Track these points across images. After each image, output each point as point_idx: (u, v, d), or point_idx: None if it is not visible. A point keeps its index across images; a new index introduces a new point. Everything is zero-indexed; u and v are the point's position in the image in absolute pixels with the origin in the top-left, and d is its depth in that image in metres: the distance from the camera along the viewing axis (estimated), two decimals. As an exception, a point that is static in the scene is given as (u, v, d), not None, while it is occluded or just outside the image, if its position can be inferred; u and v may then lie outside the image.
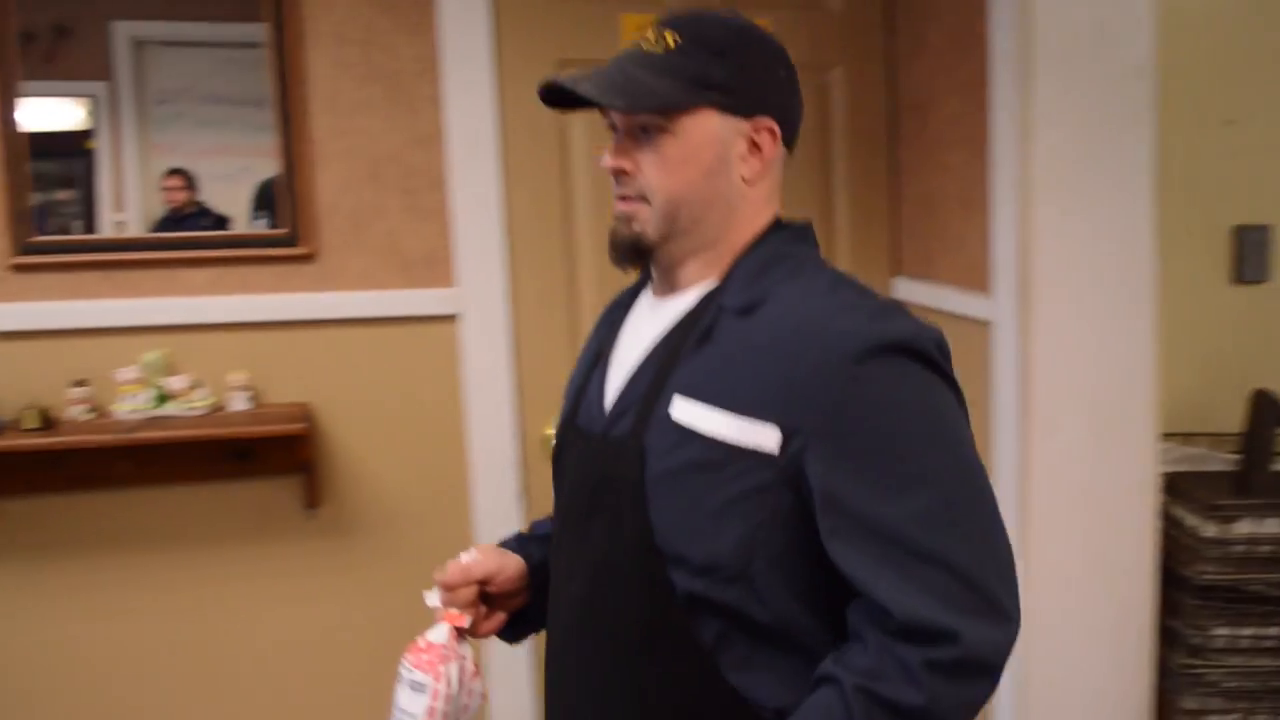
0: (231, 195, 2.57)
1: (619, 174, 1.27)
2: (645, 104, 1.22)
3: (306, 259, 2.54)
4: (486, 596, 1.42)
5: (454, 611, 1.37)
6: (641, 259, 1.29)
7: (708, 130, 1.24)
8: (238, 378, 2.49)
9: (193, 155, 2.53)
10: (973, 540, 1.12)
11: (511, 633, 1.49)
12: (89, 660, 2.53)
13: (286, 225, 2.53)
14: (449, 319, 2.65)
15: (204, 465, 2.53)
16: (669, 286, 1.31)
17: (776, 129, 1.27)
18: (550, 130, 2.68)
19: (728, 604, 1.17)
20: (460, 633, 1.36)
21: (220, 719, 2.60)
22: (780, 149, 1.29)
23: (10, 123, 2.38)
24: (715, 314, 1.23)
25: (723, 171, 1.25)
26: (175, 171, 2.52)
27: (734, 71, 1.24)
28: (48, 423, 2.34)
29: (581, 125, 2.70)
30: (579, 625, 1.29)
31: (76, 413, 2.40)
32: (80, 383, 2.42)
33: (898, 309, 1.19)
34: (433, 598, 1.39)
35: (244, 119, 2.54)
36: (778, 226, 1.30)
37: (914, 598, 1.08)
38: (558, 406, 1.47)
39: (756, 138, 1.26)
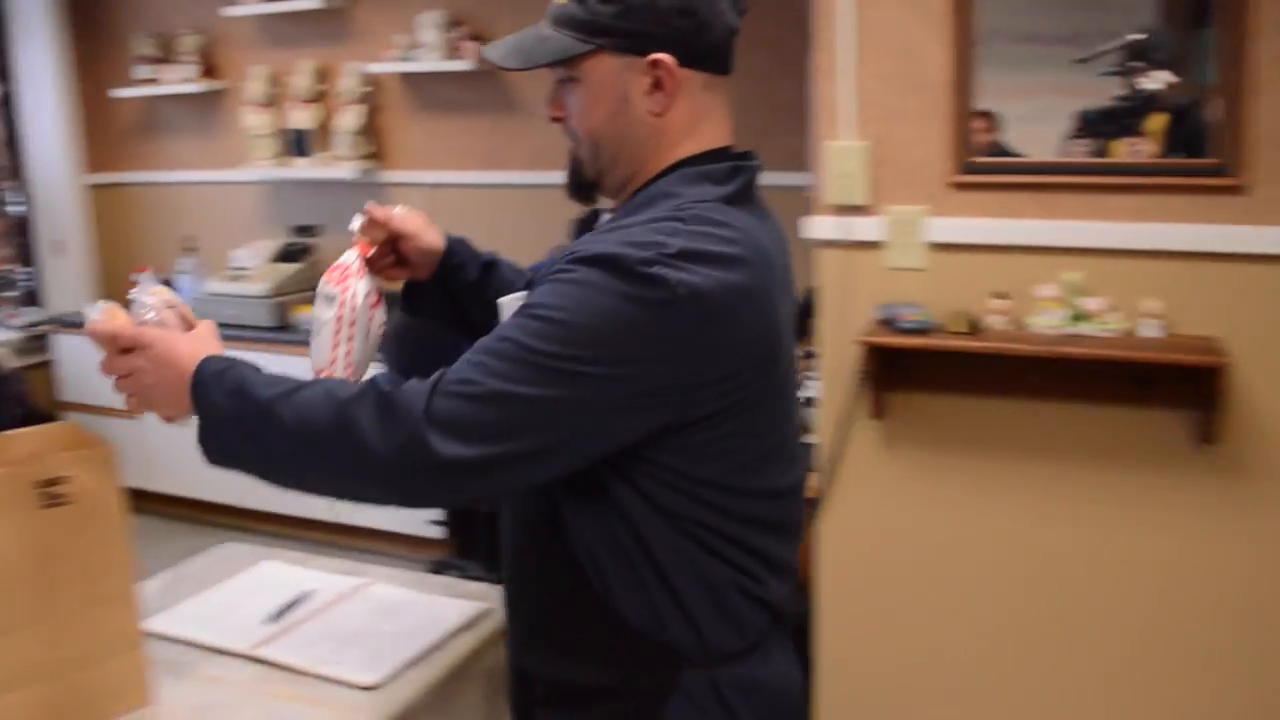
0: (1033, 136, 2.61)
1: (556, 120, 1.41)
2: (538, 60, 1.35)
3: (1235, 190, 2.47)
4: (399, 254, 1.64)
5: (364, 241, 1.59)
6: (587, 193, 1.43)
7: (606, 73, 1.33)
8: (1151, 305, 2.51)
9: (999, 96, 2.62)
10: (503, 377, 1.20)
11: (409, 302, 1.71)
12: (976, 552, 2.78)
13: (1219, 155, 2.48)
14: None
15: (1106, 387, 2.60)
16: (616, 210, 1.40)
17: (672, 62, 1.31)
18: None
19: None
20: (368, 264, 1.58)
21: (1089, 632, 2.70)
22: (692, 76, 1.33)
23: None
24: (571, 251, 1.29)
25: (626, 110, 1.34)
26: (981, 114, 2.62)
27: (620, 13, 1.30)
28: (973, 329, 2.58)
29: None
30: None
31: (996, 322, 2.61)
32: (1001, 295, 2.62)
33: (664, 243, 1.22)
34: (355, 223, 1.60)
35: (1053, 56, 2.53)
36: (687, 161, 1.35)
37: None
38: None
39: (655, 73, 1.31)
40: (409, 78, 4.79)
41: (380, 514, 4.51)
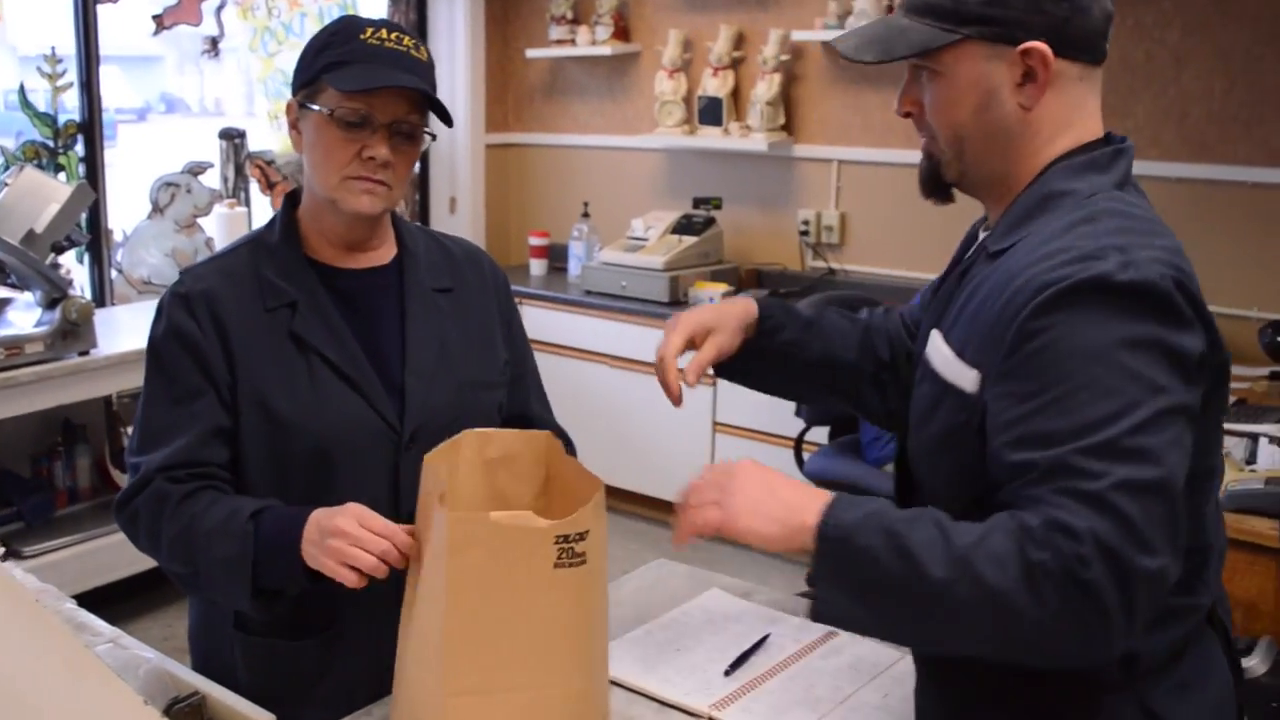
0: None
1: (907, 116, 1.33)
2: (896, 53, 1.26)
3: None
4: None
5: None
6: (944, 192, 1.35)
7: (973, 65, 1.25)
8: None
9: None
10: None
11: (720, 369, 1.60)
12: None
13: None
14: None
15: None
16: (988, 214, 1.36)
17: (1048, 52, 1.21)
18: None
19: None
20: None
21: None
22: (1067, 66, 1.23)
23: None
24: (975, 255, 1.32)
25: (994, 104, 1.25)
26: None
27: (990, 0, 1.22)
28: None
29: None
30: None
31: None
32: None
33: (1121, 246, 1.14)
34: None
35: None
36: (1068, 154, 1.26)
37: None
38: None
39: (1028, 64, 1.23)
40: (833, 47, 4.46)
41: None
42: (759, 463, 1.26)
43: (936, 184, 1.35)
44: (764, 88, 4.53)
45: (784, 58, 4.51)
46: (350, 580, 1.35)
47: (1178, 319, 1.12)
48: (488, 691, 1.25)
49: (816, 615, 1.19)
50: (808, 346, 1.58)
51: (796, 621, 1.71)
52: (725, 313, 1.57)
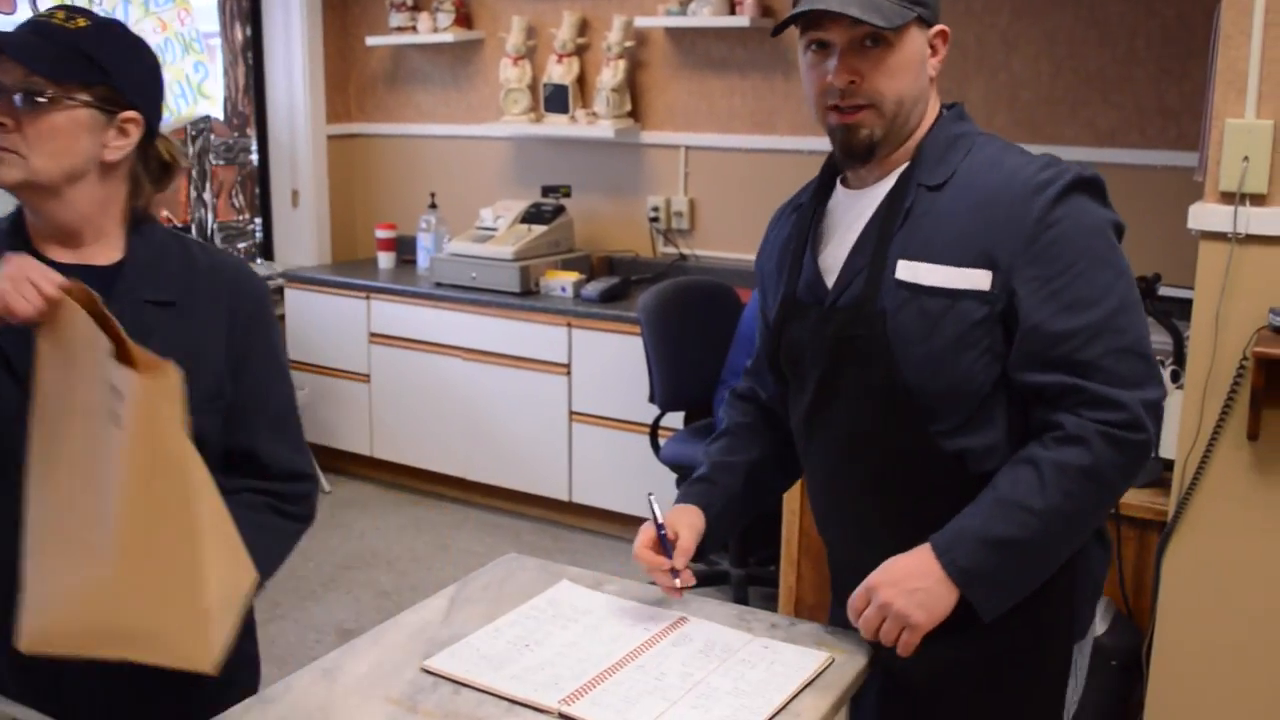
0: None
1: (850, 84, 1.50)
2: (894, 22, 1.47)
3: None
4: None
5: None
6: (870, 157, 1.55)
7: (916, 41, 1.52)
8: None
9: None
10: (1133, 339, 1.47)
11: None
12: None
13: None
14: None
15: None
16: (873, 177, 1.59)
17: (947, 30, 1.57)
18: None
19: (960, 414, 1.52)
20: None
21: None
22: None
23: None
24: (915, 192, 1.54)
25: (923, 73, 1.55)
26: None
27: None
28: None
29: None
30: (847, 456, 1.62)
31: None
32: None
33: (1058, 160, 1.51)
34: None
35: None
36: (943, 108, 1.61)
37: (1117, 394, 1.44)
38: None
39: (935, 42, 1.56)
40: (677, 33, 4.46)
41: (606, 494, 4.27)
42: (887, 578, 1.49)
43: (869, 151, 1.54)
44: (609, 74, 4.51)
45: (628, 44, 4.50)
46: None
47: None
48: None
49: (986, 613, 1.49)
50: (752, 492, 1.81)
51: (646, 609, 1.70)
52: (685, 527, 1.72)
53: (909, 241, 1.52)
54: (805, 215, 1.68)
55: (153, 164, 1.63)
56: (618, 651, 1.57)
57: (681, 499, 1.77)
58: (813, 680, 1.50)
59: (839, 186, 1.67)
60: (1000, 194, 1.48)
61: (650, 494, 1.73)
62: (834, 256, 1.61)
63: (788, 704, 1.45)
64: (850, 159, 1.57)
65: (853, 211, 1.61)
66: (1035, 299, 1.45)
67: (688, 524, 1.71)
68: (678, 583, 1.65)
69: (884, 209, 1.56)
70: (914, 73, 1.52)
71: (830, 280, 1.60)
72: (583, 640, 1.60)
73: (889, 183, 1.57)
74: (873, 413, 1.56)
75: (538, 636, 1.61)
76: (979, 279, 1.47)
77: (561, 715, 1.42)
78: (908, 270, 1.51)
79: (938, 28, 1.55)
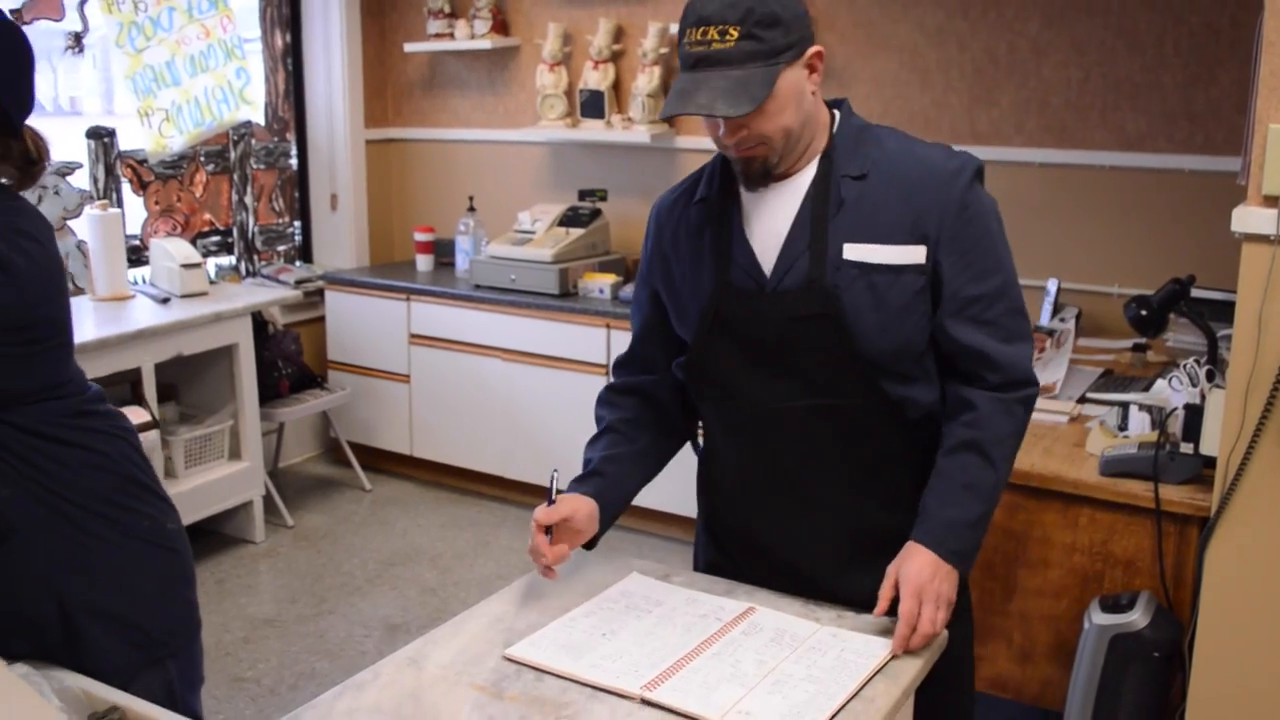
0: None
1: (737, 137, 1.66)
2: (760, 97, 1.59)
3: None
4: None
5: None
6: (770, 178, 1.73)
7: (790, 79, 1.64)
8: None
9: None
10: (1019, 301, 1.78)
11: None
12: None
13: None
14: None
15: None
16: (780, 177, 1.74)
17: (822, 49, 1.68)
18: None
19: (904, 368, 1.75)
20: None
21: None
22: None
23: None
24: (838, 182, 1.72)
25: (805, 100, 1.68)
26: None
27: (787, 31, 1.61)
28: None
29: None
30: (804, 423, 1.77)
31: None
32: None
33: (952, 147, 1.78)
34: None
35: None
36: (831, 106, 1.79)
37: (1011, 351, 1.75)
38: None
39: (813, 61, 1.67)
40: (710, 37, 4.52)
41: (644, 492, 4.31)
42: (923, 578, 1.67)
43: (765, 175, 1.72)
44: (644, 80, 4.58)
45: (663, 50, 4.56)
46: None
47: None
48: None
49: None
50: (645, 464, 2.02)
51: (716, 600, 1.76)
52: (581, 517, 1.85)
53: (850, 226, 1.71)
54: (715, 207, 1.81)
55: (16, 158, 1.56)
56: (692, 640, 1.63)
57: (571, 493, 1.88)
58: (882, 667, 1.57)
59: (741, 189, 1.81)
60: (925, 180, 1.70)
61: (554, 470, 1.90)
62: (764, 244, 1.75)
63: (860, 690, 1.51)
64: (753, 183, 1.74)
65: (775, 203, 1.75)
66: (955, 269, 1.71)
67: (586, 512, 1.85)
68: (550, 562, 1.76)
69: (812, 199, 1.73)
70: (795, 104, 1.66)
71: (767, 266, 1.74)
72: (658, 629, 1.66)
73: (806, 175, 1.74)
74: (829, 378, 1.74)
75: (614, 626, 1.68)
76: (916, 254, 1.70)
77: (644, 701, 1.48)
78: (855, 251, 1.70)
79: (811, 50, 1.66)
